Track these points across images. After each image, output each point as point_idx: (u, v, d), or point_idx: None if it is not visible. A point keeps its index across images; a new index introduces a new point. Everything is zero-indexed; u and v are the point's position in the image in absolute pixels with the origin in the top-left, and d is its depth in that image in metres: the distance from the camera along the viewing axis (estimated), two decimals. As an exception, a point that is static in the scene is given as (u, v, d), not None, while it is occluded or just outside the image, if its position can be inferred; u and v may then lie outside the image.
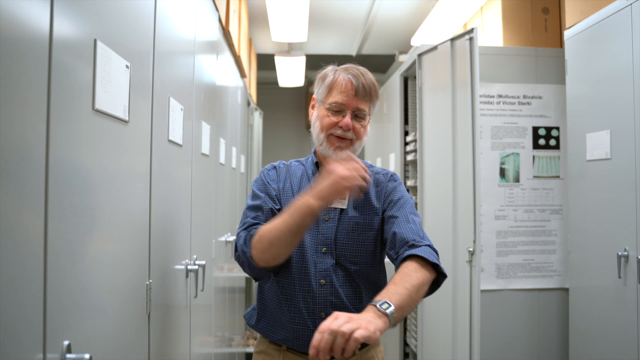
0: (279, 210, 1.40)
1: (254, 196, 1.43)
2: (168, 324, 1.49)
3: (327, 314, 1.27)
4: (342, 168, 1.23)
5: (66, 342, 0.82)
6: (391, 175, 1.47)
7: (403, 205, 1.39)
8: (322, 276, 1.36)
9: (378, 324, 1.04)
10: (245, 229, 1.36)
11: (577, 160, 2.35)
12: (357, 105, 1.38)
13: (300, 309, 1.36)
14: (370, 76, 1.42)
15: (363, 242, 1.40)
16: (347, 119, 1.37)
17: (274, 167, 1.50)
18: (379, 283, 1.41)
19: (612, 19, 2.10)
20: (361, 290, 1.39)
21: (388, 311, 1.07)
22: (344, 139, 1.39)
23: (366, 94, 1.38)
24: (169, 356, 1.50)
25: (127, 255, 1.16)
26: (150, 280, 1.31)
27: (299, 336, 1.36)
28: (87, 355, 0.83)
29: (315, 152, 1.49)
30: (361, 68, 1.43)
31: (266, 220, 1.36)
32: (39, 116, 0.76)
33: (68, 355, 0.82)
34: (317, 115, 1.43)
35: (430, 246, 1.29)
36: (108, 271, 1.05)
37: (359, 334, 0.99)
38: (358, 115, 1.39)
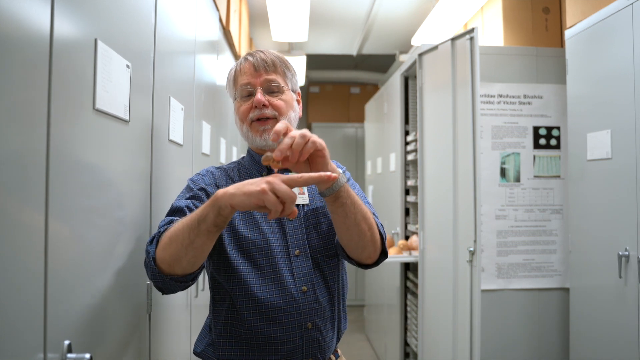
0: None
1: (178, 198, 1.24)
2: (168, 323, 1.49)
3: (314, 324, 1.23)
4: (278, 187, 0.95)
5: (67, 342, 0.82)
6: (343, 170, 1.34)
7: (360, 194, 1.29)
8: (302, 282, 1.23)
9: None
10: (159, 229, 1.15)
11: (578, 160, 2.35)
12: (263, 79, 1.26)
13: (285, 325, 1.20)
14: (272, 51, 1.32)
15: (332, 230, 1.27)
16: (258, 95, 1.24)
17: (209, 172, 1.32)
18: (342, 278, 1.33)
19: (612, 19, 2.10)
20: (332, 292, 1.28)
21: (341, 177, 1.08)
22: (265, 120, 1.26)
23: (269, 65, 1.27)
24: (170, 356, 1.50)
25: (127, 254, 1.16)
26: (151, 280, 1.31)
27: (286, 357, 1.21)
28: (87, 355, 0.83)
29: (253, 150, 1.34)
30: (263, 49, 1.32)
31: None
32: (40, 116, 0.76)
33: (69, 355, 0.82)
34: (235, 112, 1.32)
35: (382, 225, 1.25)
36: (108, 271, 1.05)
37: (320, 140, 1.04)
38: (272, 90, 1.27)
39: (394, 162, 3.72)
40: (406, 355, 3.57)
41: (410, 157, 3.45)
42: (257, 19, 4.20)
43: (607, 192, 2.13)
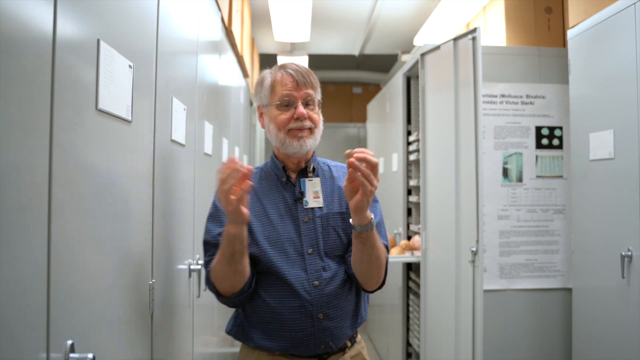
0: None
1: (206, 229, 1.44)
2: (171, 323, 1.49)
3: (325, 315, 1.38)
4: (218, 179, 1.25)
5: (69, 342, 0.82)
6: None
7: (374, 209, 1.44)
8: (315, 277, 1.39)
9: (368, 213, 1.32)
10: (205, 266, 1.43)
11: (580, 160, 2.35)
12: (303, 93, 1.42)
13: (298, 316, 1.37)
14: (304, 66, 1.47)
15: (346, 235, 1.44)
16: (300, 109, 1.40)
17: None
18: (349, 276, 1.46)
19: (615, 18, 2.10)
20: (345, 286, 1.43)
21: (369, 224, 1.32)
22: (302, 129, 1.42)
23: (307, 81, 1.42)
24: (172, 356, 1.50)
25: (130, 255, 1.16)
26: (153, 280, 1.31)
27: (299, 343, 1.38)
28: (90, 355, 0.83)
29: (276, 156, 1.50)
30: (295, 63, 1.48)
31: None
32: (42, 116, 0.76)
33: (71, 355, 0.82)
34: (269, 119, 1.45)
35: (387, 258, 1.45)
36: (111, 271, 1.05)
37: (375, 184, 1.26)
38: (308, 103, 1.43)
39: (397, 162, 3.72)
40: (408, 355, 3.57)
41: (412, 157, 3.45)
42: (260, 19, 4.20)
43: (610, 192, 2.13)
